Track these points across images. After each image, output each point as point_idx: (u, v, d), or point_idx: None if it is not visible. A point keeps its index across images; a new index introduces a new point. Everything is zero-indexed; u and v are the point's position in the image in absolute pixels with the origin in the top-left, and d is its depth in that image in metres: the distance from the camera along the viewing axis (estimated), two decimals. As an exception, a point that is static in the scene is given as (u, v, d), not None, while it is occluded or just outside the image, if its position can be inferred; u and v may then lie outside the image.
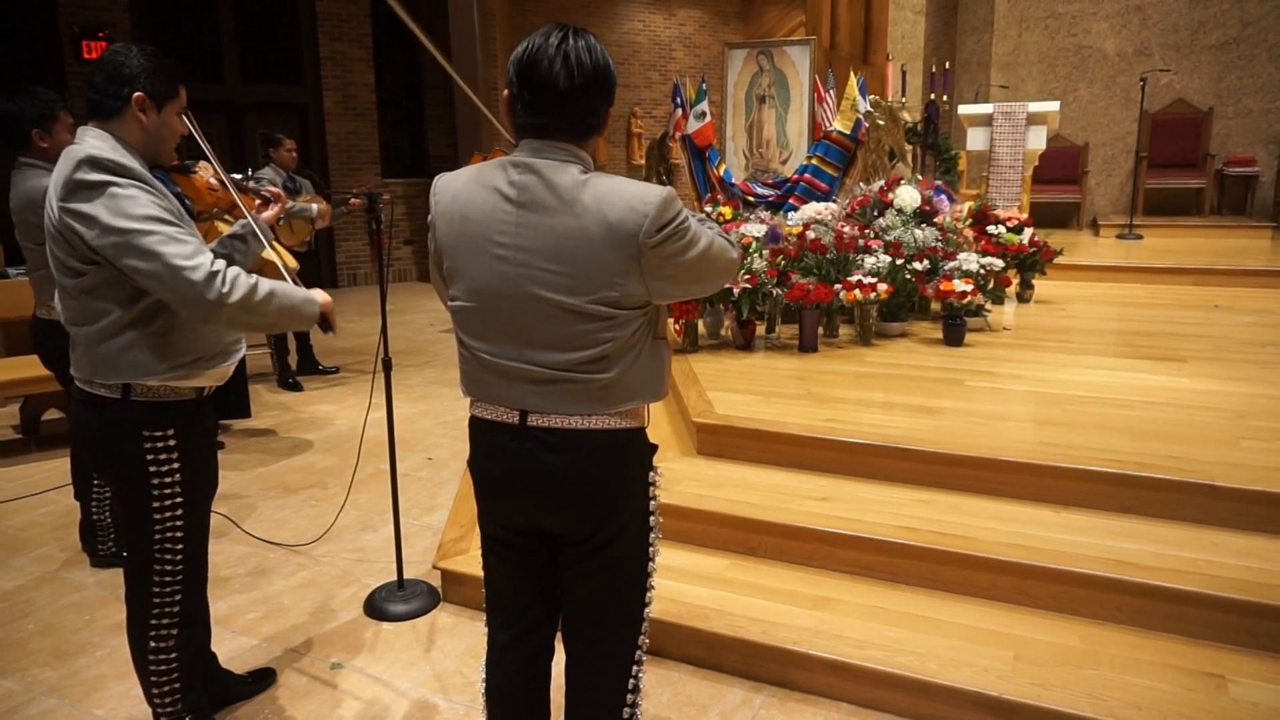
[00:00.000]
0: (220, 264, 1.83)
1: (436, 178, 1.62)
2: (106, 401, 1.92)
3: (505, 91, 1.52)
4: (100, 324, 1.88)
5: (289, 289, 1.98)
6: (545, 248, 1.46)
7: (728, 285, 1.76)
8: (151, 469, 1.95)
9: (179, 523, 2.02)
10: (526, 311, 1.49)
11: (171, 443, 1.97)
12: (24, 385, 4.58)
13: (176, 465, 1.98)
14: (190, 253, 1.79)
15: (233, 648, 2.75)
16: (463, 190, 1.55)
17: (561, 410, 1.53)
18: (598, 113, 1.51)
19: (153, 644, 2.06)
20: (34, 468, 4.47)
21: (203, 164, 2.19)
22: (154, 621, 2.06)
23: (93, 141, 1.86)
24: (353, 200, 5.72)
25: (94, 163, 1.78)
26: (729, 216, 5.34)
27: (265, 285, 1.90)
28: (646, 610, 1.72)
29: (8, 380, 4.52)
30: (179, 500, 2.00)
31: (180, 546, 2.04)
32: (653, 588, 1.72)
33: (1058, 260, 5.66)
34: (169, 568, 2.04)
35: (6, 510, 3.91)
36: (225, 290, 1.80)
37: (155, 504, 1.98)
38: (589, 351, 1.49)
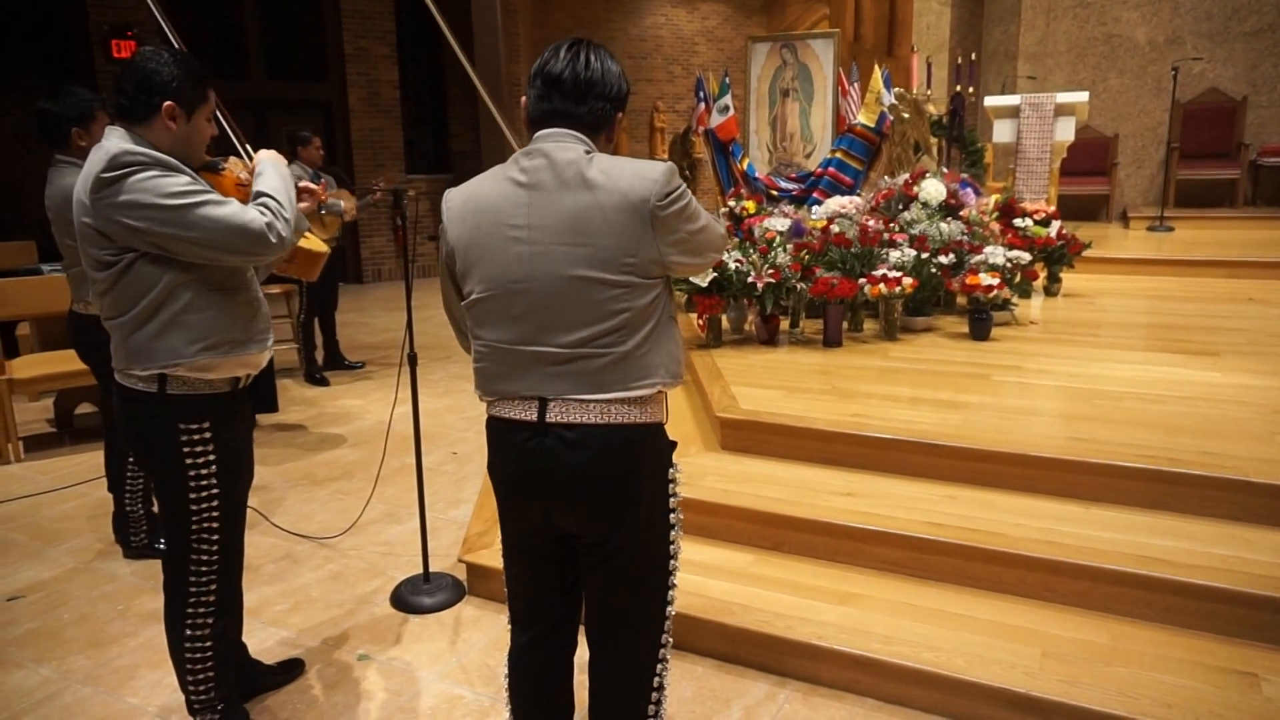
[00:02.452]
0: (264, 214, 1.93)
1: (446, 192, 1.67)
2: (145, 395, 1.97)
3: (523, 98, 1.62)
4: (131, 313, 1.92)
5: (284, 185, 2.05)
6: (560, 223, 1.50)
7: (720, 265, 1.82)
8: (188, 461, 2.00)
9: (215, 514, 2.06)
10: (545, 290, 1.52)
11: (207, 435, 2.01)
12: (58, 380, 4.67)
13: (213, 458, 2.02)
14: (238, 210, 1.89)
15: (262, 638, 2.79)
16: (474, 190, 1.61)
17: (581, 393, 1.54)
18: (602, 106, 1.58)
19: (189, 632, 2.10)
20: (68, 460, 4.56)
21: (232, 159, 2.20)
22: (190, 610, 2.10)
23: (119, 141, 1.88)
24: (376, 193, 5.77)
25: (120, 158, 1.81)
26: (752, 211, 5.32)
27: (284, 198, 2.00)
28: (670, 609, 1.71)
29: (42, 375, 4.60)
30: (215, 492, 2.05)
31: (216, 537, 2.08)
32: (675, 585, 1.72)
33: (1086, 253, 5.58)
34: (205, 557, 2.08)
35: (42, 502, 3.99)
36: (281, 233, 1.93)
37: (192, 495, 2.02)
38: (605, 324, 1.52)
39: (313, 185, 2.32)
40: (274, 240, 1.91)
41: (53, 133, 3.05)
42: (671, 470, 1.67)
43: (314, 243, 2.22)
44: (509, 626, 1.83)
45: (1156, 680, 2.20)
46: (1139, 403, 3.41)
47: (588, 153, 1.54)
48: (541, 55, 1.59)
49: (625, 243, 1.50)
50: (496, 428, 1.64)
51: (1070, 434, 3.08)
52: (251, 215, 1.89)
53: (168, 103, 1.91)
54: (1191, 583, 2.38)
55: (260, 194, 1.99)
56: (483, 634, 2.80)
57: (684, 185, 1.57)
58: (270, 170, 2.06)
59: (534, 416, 1.56)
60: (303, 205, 2.31)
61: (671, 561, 1.69)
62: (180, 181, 1.85)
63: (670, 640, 1.73)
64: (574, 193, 1.50)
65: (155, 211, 1.81)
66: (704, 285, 4.36)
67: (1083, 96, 6.47)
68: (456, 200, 1.63)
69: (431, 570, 3.08)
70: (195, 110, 1.97)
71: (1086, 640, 2.37)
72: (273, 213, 1.94)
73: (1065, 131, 6.48)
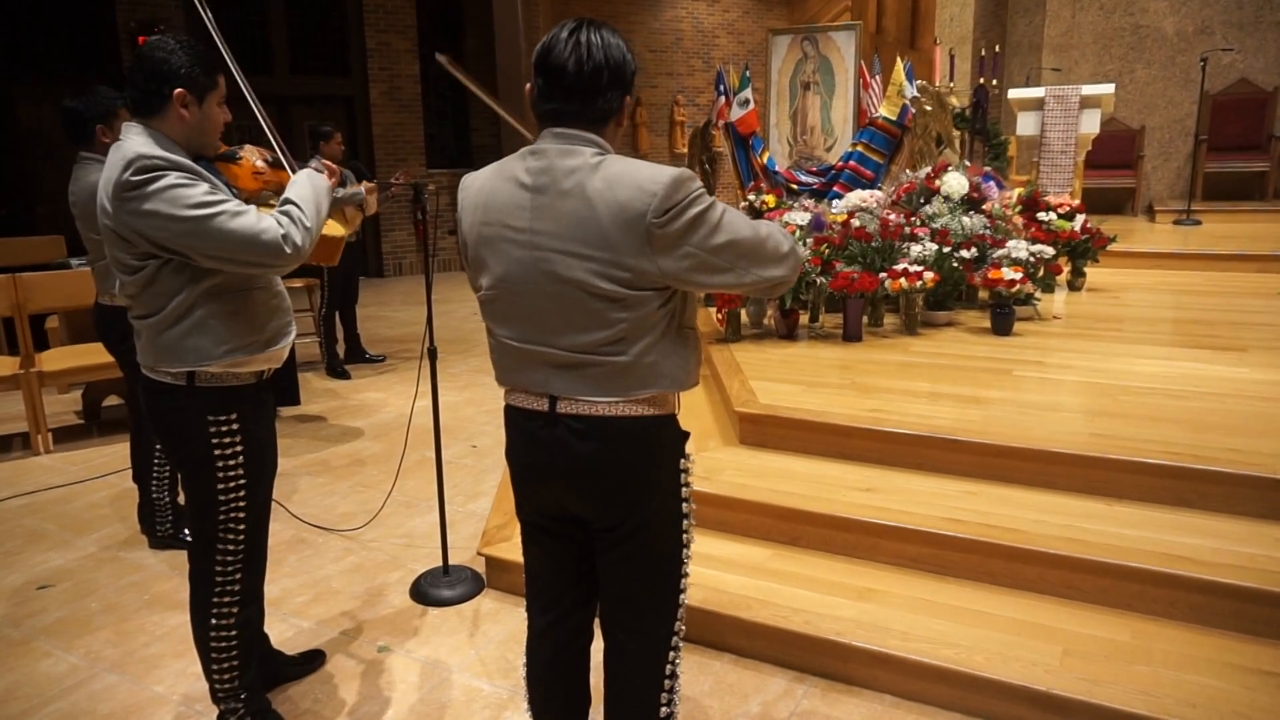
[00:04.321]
0: (281, 222, 1.92)
1: (464, 176, 1.65)
2: (173, 388, 1.99)
3: (529, 85, 1.56)
4: (159, 315, 1.95)
5: (310, 193, 2.04)
6: (558, 230, 1.48)
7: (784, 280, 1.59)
8: (216, 452, 2.02)
9: (242, 504, 2.09)
10: (544, 294, 1.51)
11: (235, 426, 2.03)
12: (86, 372, 4.74)
13: (240, 449, 2.05)
14: (255, 220, 1.88)
15: (284, 629, 2.82)
16: (485, 184, 1.59)
17: (585, 395, 1.54)
18: (608, 97, 1.51)
19: (214, 621, 2.13)
20: (95, 452, 4.63)
21: (247, 147, 2.21)
22: (215, 599, 2.13)
23: (137, 139, 1.90)
24: (393, 187, 5.80)
25: (141, 161, 1.82)
26: (773, 205, 5.29)
27: (307, 208, 1.99)
28: (682, 597, 1.72)
29: (70, 368, 4.67)
30: (242, 482, 2.07)
31: (243, 527, 2.11)
32: (688, 574, 1.73)
33: (1111, 247, 5.51)
34: (231, 547, 2.11)
35: (70, 493, 4.06)
36: (296, 242, 1.93)
37: (220, 486, 2.05)
38: (606, 332, 1.51)
39: (332, 165, 2.33)
40: (289, 250, 1.90)
41: (78, 130, 3.12)
42: (683, 460, 1.68)
43: (333, 227, 2.23)
44: (526, 613, 1.85)
45: (1181, 680, 2.17)
46: (1164, 399, 3.37)
47: (596, 155, 1.49)
48: (544, 39, 1.51)
49: (620, 256, 1.46)
50: (511, 415, 1.68)
51: (1093, 430, 3.05)
52: (267, 224, 1.89)
53: (178, 90, 1.91)
54: (1217, 581, 2.35)
55: (286, 200, 2.01)
56: (502, 627, 2.81)
57: (699, 194, 1.47)
58: (303, 178, 2.08)
59: (545, 407, 1.59)
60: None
61: (684, 550, 1.70)
62: (198, 191, 1.84)
63: (683, 629, 1.74)
64: (574, 201, 1.47)
65: (174, 223, 1.82)
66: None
67: (1109, 88, 6.37)
68: (470, 190, 1.62)
69: (451, 563, 3.10)
70: (206, 96, 1.97)
71: (1109, 638, 2.35)
72: (292, 219, 1.94)
73: (1090, 124, 6.39)
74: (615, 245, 1.45)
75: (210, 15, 2.07)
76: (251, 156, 2.17)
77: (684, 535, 1.69)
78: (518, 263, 1.52)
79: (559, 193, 1.48)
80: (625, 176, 1.45)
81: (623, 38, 1.54)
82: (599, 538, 1.67)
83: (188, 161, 1.90)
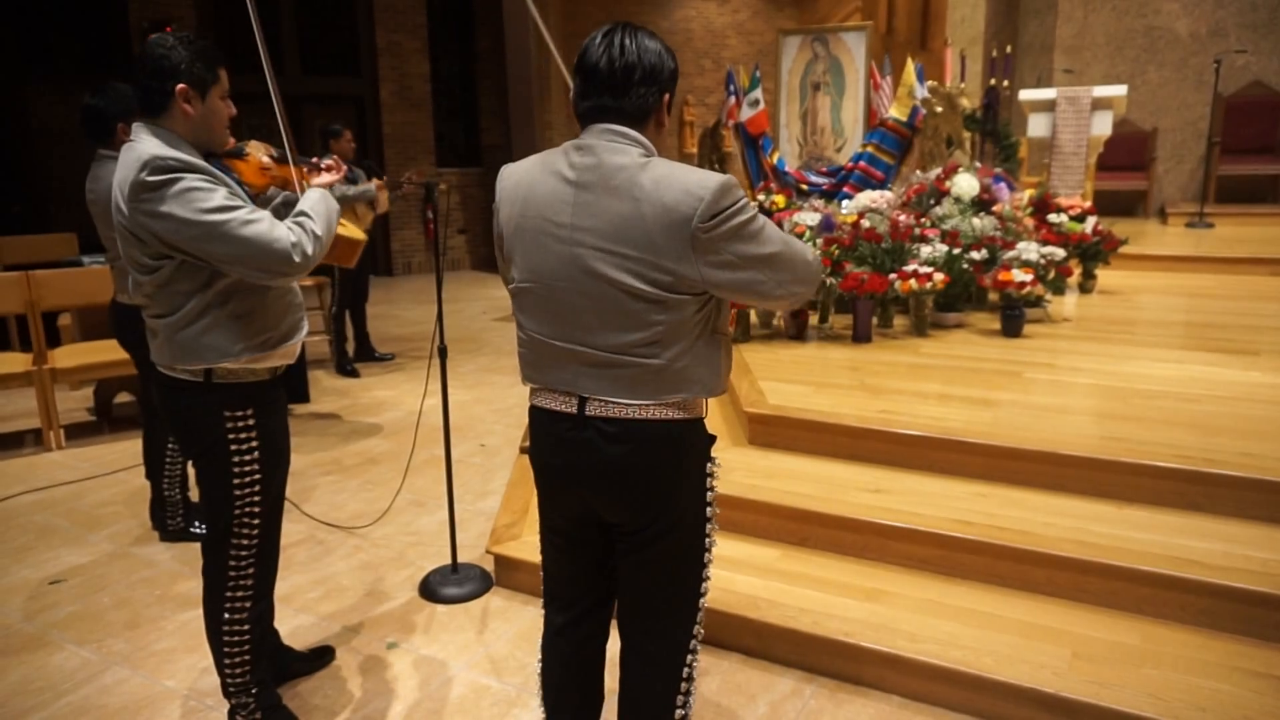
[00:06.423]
0: (294, 231, 1.94)
1: (503, 167, 1.66)
2: (190, 385, 2.01)
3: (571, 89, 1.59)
4: (176, 314, 1.96)
5: (323, 209, 2.07)
6: (601, 227, 1.48)
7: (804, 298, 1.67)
8: (233, 447, 2.04)
9: (256, 499, 2.11)
10: (581, 291, 1.51)
11: (251, 422, 2.05)
12: (98, 369, 4.77)
13: (255, 444, 2.07)
14: (268, 229, 1.89)
15: (293, 625, 2.84)
16: (525, 175, 1.59)
17: (615, 396, 1.54)
18: (641, 93, 1.52)
19: (227, 615, 2.15)
20: (107, 448, 4.66)
21: (253, 143, 2.23)
22: (229, 594, 2.14)
23: (149, 140, 1.91)
24: (404, 186, 5.82)
25: (157, 162, 1.83)
26: (782, 205, 5.29)
27: (319, 222, 2.02)
28: (702, 600, 1.72)
29: (83, 364, 4.70)
30: (258, 477, 2.09)
31: (257, 522, 2.13)
32: (709, 578, 1.73)
33: (1123, 250, 5.49)
34: (246, 542, 2.13)
35: (83, 489, 4.09)
36: (306, 253, 1.94)
37: (235, 480, 2.06)
38: (641, 334, 1.50)
39: (338, 161, 2.34)
40: (298, 260, 1.92)
41: (99, 128, 3.13)
42: (709, 464, 1.68)
43: (353, 230, 2.25)
44: (543, 610, 1.86)
45: (1189, 683, 2.17)
46: (1175, 402, 3.36)
47: (643, 155, 1.50)
48: (581, 45, 1.55)
49: (663, 259, 1.45)
50: (538, 416, 1.66)
51: (1104, 433, 3.04)
52: (280, 234, 1.90)
53: (180, 85, 1.92)
54: (1227, 585, 2.34)
55: (300, 211, 2.03)
56: (510, 625, 2.82)
57: (742, 202, 1.47)
58: (316, 194, 2.10)
59: (574, 409, 1.58)
60: (325, 180, 2.33)
61: (706, 554, 1.70)
62: (215, 196, 1.86)
63: (701, 632, 1.74)
64: (619, 200, 1.47)
65: (188, 226, 1.83)
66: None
67: (1121, 90, 6.35)
68: (509, 181, 1.62)
69: (460, 561, 3.12)
70: (209, 90, 1.98)
71: (1118, 641, 2.35)
72: (304, 230, 1.96)
73: (1102, 126, 6.37)
74: (658, 247, 1.45)
75: (256, 14, 2.07)
76: (258, 152, 2.18)
77: (707, 539, 1.69)
78: (556, 258, 1.52)
79: (604, 190, 1.48)
80: (672, 179, 1.46)
81: (663, 41, 1.56)
82: (623, 540, 1.66)
83: (202, 163, 1.91)
